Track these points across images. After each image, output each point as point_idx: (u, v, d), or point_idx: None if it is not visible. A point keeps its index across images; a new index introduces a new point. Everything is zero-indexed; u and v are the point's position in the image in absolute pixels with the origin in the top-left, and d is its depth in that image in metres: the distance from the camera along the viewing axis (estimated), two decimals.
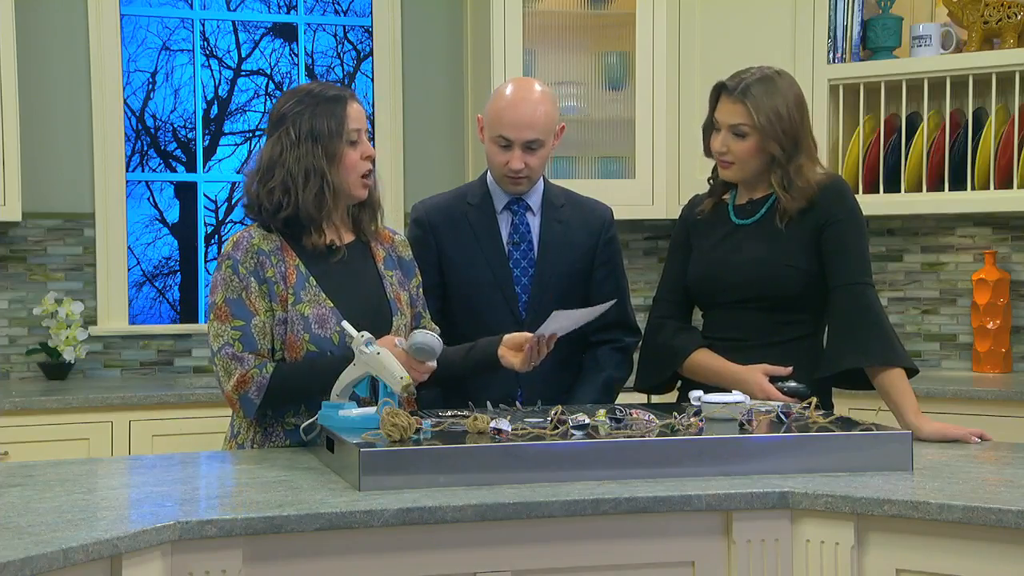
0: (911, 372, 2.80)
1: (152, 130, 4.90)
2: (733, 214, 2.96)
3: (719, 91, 2.90)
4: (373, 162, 2.74)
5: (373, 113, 4.83)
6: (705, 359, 2.93)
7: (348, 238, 2.77)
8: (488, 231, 3.06)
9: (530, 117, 2.94)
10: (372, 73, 4.95)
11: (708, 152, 2.97)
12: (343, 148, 2.66)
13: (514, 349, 2.74)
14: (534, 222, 3.09)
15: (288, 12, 5.01)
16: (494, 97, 3.03)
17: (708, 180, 3.04)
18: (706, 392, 2.70)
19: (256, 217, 2.70)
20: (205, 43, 4.93)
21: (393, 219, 2.91)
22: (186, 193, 4.90)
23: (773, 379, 2.83)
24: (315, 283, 2.66)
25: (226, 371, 2.60)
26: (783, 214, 2.86)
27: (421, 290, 2.90)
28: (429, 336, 2.58)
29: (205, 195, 4.91)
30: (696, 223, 3.01)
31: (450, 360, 2.74)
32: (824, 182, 2.88)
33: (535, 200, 3.10)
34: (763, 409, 2.58)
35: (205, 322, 4.77)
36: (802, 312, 2.89)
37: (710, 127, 2.94)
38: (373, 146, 2.76)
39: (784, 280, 2.85)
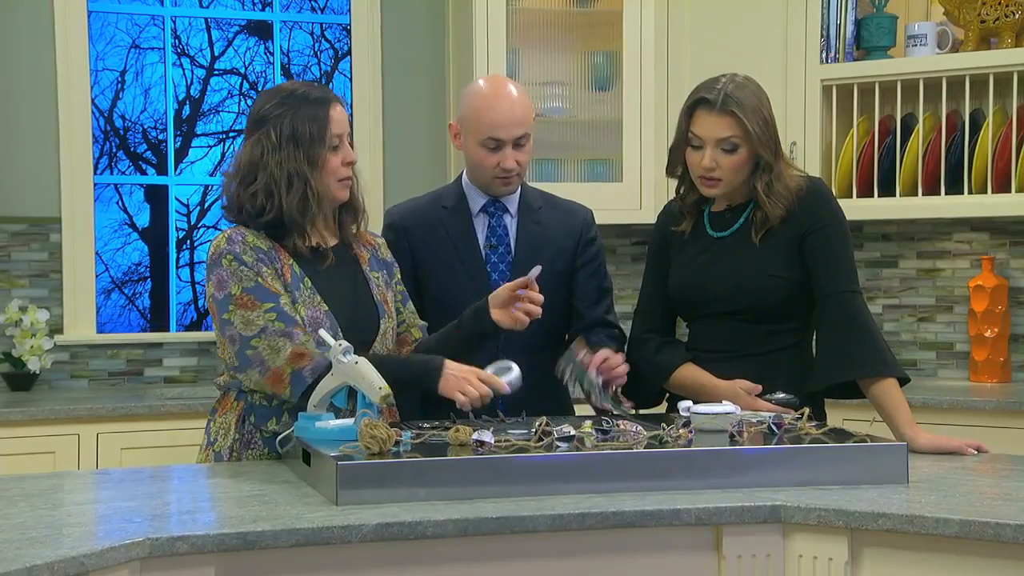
0: (903, 381, 2.75)
1: (121, 131, 4.84)
2: (709, 226, 2.88)
3: (696, 106, 2.78)
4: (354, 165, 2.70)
5: (352, 113, 4.79)
6: (690, 373, 2.88)
7: (332, 241, 2.73)
8: (464, 235, 3.03)
9: (517, 113, 2.94)
10: (350, 72, 4.91)
11: (673, 171, 2.88)
12: (325, 154, 2.61)
13: (501, 307, 2.73)
14: (511, 224, 3.05)
15: (263, 9, 4.97)
16: (471, 100, 2.99)
17: (677, 201, 2.94)
18: (695, 403, 2.65)
19: (237, 219, 2.65)
20: (176, 41, 4.89)
21: (372, 221, 2.87)
22: (157, 197, 4.85)
23: (762, 391, 2.77)
24: (310, 284, 2.62)
25: (273, 348, 2.50)
26: (760, 225, 2.79)
27: (401, 285, 2.87)
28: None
29: (177, 199, 4.85)
30: (673, 232, 2.95)
31: (444, 344, 2.74)
32: (804, 186, 2.82)
33: (512, 202, 3.06)
34: (754, 420, 2.54)
35: (179, 330, 4.78)
36: (788, 321, 2.84)
37: (683, 144, 2.82)
38: (353, 148, 2.71)
39: (768, 291, 2.80)
